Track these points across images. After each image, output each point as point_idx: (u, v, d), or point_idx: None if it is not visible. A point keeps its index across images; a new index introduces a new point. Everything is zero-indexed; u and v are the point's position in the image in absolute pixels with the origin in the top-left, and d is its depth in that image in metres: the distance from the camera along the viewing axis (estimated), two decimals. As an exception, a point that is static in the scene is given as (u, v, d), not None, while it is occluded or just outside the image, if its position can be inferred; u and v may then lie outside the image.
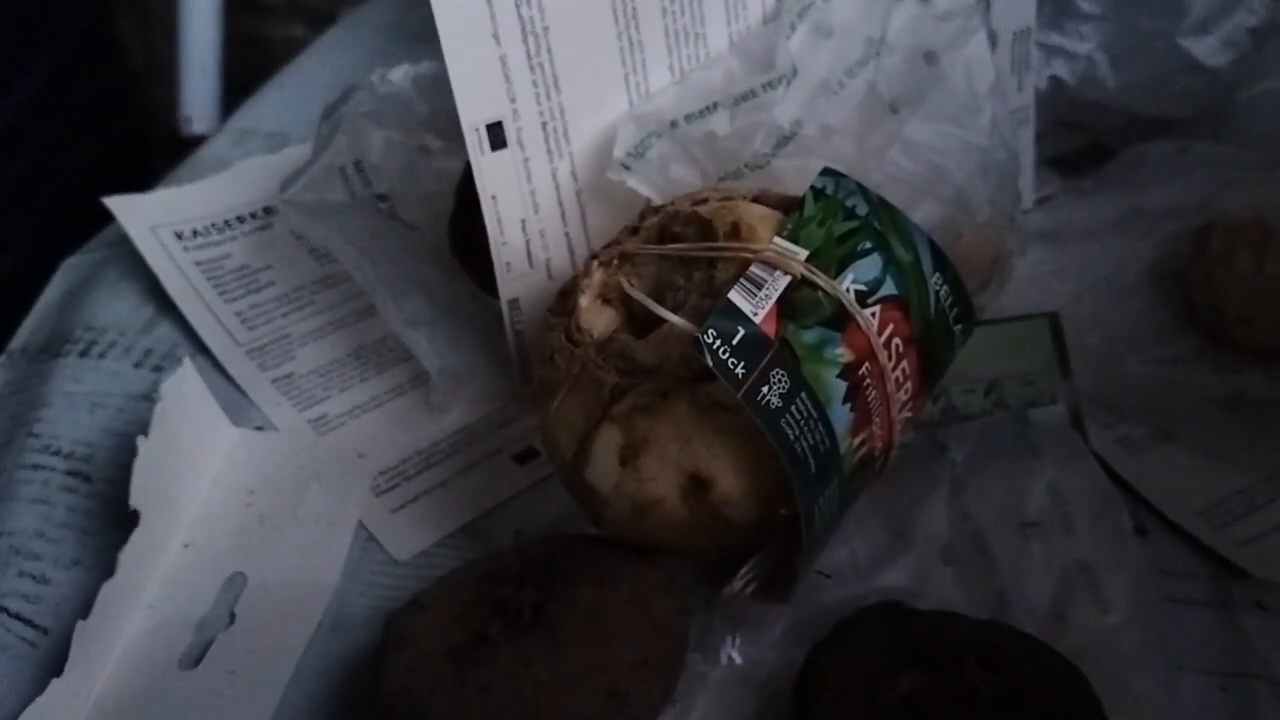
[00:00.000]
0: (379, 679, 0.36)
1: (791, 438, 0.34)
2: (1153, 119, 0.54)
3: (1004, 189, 0.45)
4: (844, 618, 0.37)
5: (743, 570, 0.38)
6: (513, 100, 0.42)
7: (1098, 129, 0.56)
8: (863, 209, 0.37)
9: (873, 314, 0.36)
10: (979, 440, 0.43)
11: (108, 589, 0.39)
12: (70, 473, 0.44)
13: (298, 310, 0.51)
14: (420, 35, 0.43)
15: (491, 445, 0.46)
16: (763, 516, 0.37)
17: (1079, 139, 0.56)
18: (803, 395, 0.35)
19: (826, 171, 0.38)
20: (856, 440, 0.36)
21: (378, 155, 0.50)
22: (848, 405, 0.36)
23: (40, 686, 0.37)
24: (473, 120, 0.41)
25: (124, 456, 0.42)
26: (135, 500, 0.40)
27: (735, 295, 0.35)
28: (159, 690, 0.38)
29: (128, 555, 0.40)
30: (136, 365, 0.49)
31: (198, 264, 0.52)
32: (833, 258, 0.36)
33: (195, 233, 0.53)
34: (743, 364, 0.34)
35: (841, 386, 0.35)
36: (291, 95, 0.63)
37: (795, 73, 0.43)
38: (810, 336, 0.35)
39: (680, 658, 0.37)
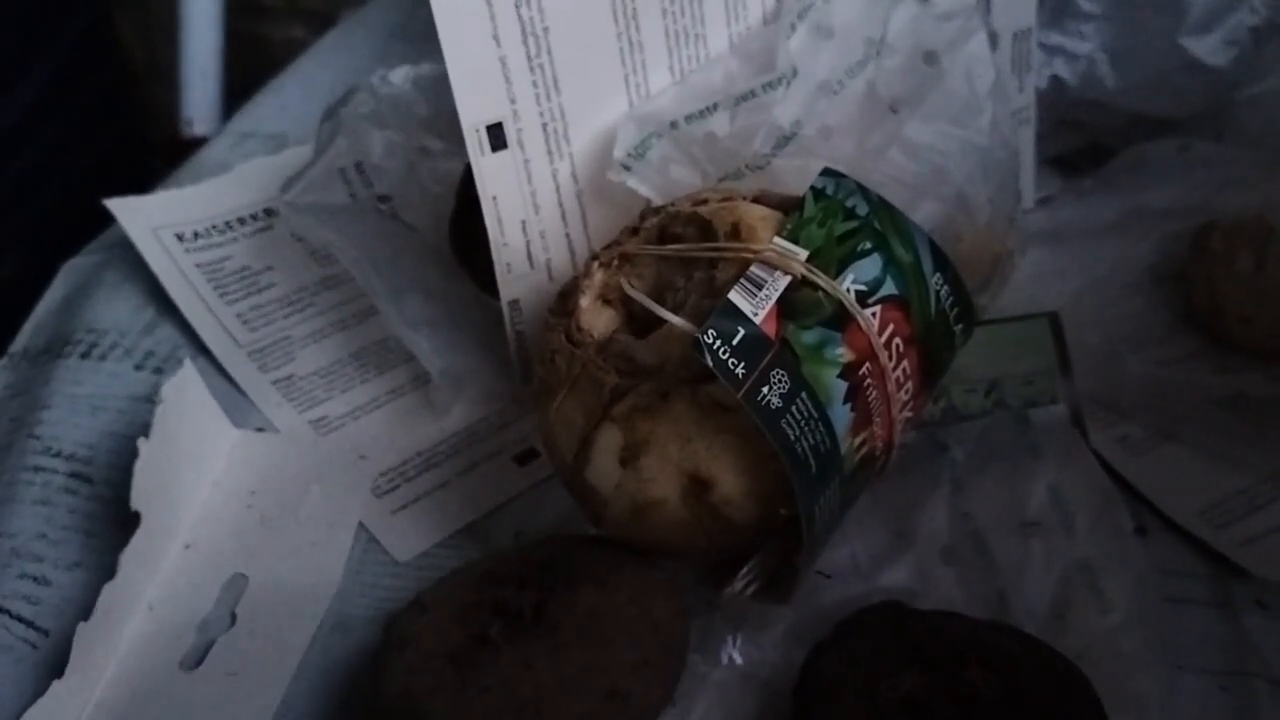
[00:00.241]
0: (379, 680, 0.36)
1: (792, 438, 0.34)
2: (1153, 118, 0.54)
3: (1004, 189, 0.45)
4: (844, 618, 0.37)
5: (743, 571, 0.38)
6: (513, 101, 0.42)
7: (1098, 129, 0.56)
8: (863, 209, 0.37)
9: (873, 314, 0.36)
10: (979, 440, 0.43)
11: (109, 590, 0.39)
12: (71, 474, 0.44)
13: (299, 312, 0.51)
14: (420, 36, 0.43)
15: (492, 446, 0.46)
16: (763, 517, 0.37)
17: (1079, 139, 0.56)
18: (803, 395, 0.35)
19: (827, 172, 0.38)
20: (857, 440, 0.36)
21: (378, 156, 0.50)
22: (848, 405, 0.36)
23: (42, 688, 0.37)
24: (473, 121, 0.41)
25: (125, 458, 0.42)
26: (136, 502, 0.40)
27: (735, 295, 0.35)
28: (160, 691, 0.38)
29: (129, 557, 0.40)
30: (138, 367, 0.49)
31: (199, 266, 0.52)
32: (833, 258, 0.36)
33: (196, 234, 0.53)
34: (743, 364, 0.34)
35: (842, 387, 0.35)
36: (292, 97, 0.64)
37: (795, 73, 0.43)
38: (810, 337, 0.35)
39: (681, 658, 0.37)
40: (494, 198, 0.43)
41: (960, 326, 0.39)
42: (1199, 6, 0.51)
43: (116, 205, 0.53)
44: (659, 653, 0.36)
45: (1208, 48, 0.52)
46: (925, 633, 0.36)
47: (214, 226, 0.53)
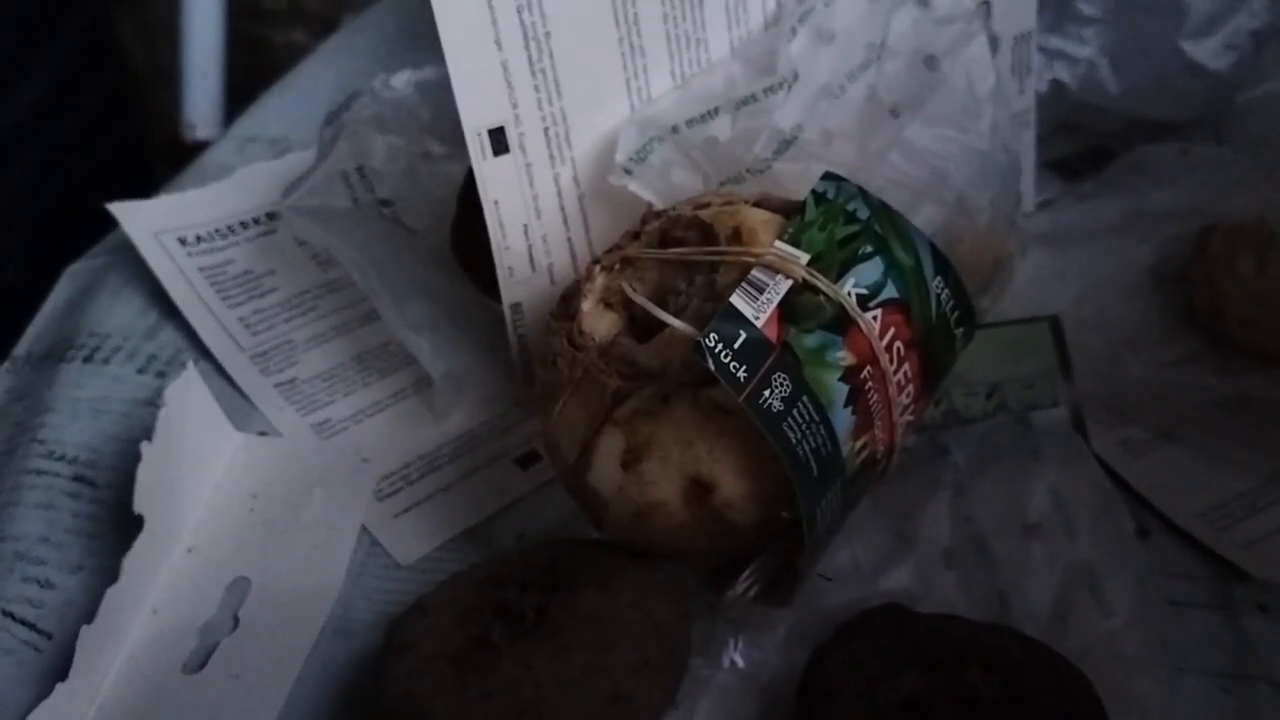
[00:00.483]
0: (381, 683, 0.36)
1: (793, 441, 0.34)
2: (1154, 122, 0.54)
3: (1005, 192, 0.45)
4: (846, 620, 0.37)
5: (745, 574, 0.38)
6: (514, 105, 0.42)
7: (1099, 132, 0.56)
8: (864, 213, 0.38)
9: (874, 317, 0.36)
10: (980, 443, 0.43)
11: (112, 594, 0.39)
12: (75, 478, 0.44)
13: (301, 315, 0.51)
14: (422, 41, 0.43)
15: (494, 449, 0.46)
16: (765, 520, 0.37)
17: (1080, 142, 0.56)
18: (804, 399, 0.35)
19: (828, 176, 0.38)
20: (858, 443, 0.36)
21: (380, 161, 0.51)
22: (849, 408, 0.36)
23: (45, 691, 0.37)
24: (475, 125, 0.41)
25: (128, 462, 0.42)
26: (139, 505, 0.40)
27: (737, 299, 0.35)
28: (163, 694, 0.38)
29: (132, 560, 0.40)
30: (140, 371, 0.49)
31: (201, 269, 0.52)
32: (834, 261, 0.36)
33: (199, 238, 0.53)
34: (744, 368, 0.34)
35: (843, 390, 0.36)
36: (294, 101, 0.64)
37: (796, 77, 0.43)
38: (812, 340, 0.35)
39: (682, 661, 0.37)
40: (496, 202, 0.43)
41: (961, 330, 0.39)
42: (1199, 10, 0.51)
43: (119, 209, 0.53)
44: (661, 655, 0.36)
45: (1208, 51, 0.52)
46: (926, 635, 0.36)
47: (216, 230, 0.53)
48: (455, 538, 0.44)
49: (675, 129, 0.43)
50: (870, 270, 0.37)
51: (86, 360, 0.49)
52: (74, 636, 0.38)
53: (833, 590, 0.40)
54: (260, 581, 0.42)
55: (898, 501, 0.42)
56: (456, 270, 0.49)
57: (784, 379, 0.34)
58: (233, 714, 0.38)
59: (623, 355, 0.37)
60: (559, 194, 0.44)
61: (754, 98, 0.43)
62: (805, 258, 0.36)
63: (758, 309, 0.35)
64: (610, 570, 0.37)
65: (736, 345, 0.34)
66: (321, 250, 0.52)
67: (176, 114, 0.89)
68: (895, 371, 0.37)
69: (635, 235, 0.40)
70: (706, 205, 0.39)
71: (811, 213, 0.37)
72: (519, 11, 0.41)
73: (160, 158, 0.96)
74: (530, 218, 0.44)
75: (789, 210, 0.38)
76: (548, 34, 0.41)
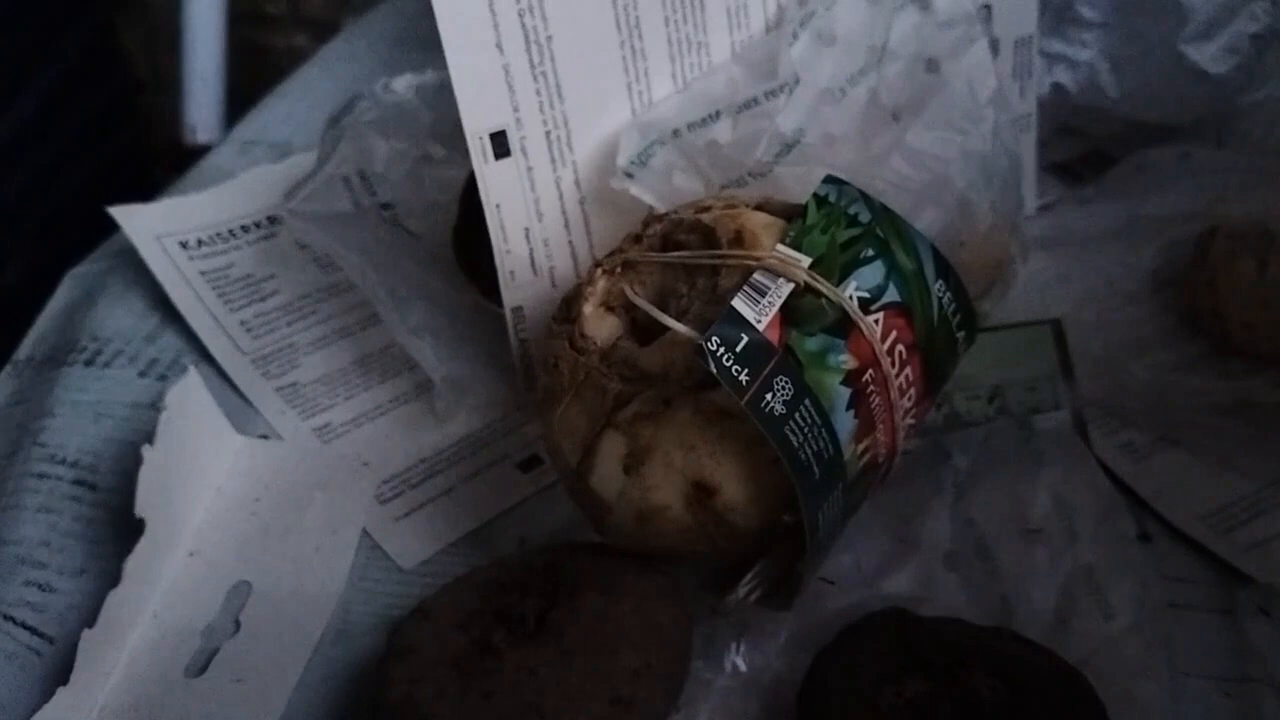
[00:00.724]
0: (383, 687, 0.36)
1: (795, 444, 0.34)
2: (1154, 125, 0.54)
3: (1006, 196, 0.45)
4: (848, 624, 0.37)
5: (747, 577, 0.38)
6: (516, 109, 0.42)
7: (1099, 136, 0.56)
8: (865, 216, 0.38)
9: (876, 321, 0.36)
10: (982, 447, 0.43)
11: (113, 597, 0.39)
12: (76, 481, 0.44)
13: (302, 319, 0.51)
14: (424, 45, 0.43)
15: (495, 453, 0.46)
16: (767, 523, 0.37)
17: (1081, 146, 0.56)
18: (806, 402, 0.35)
19: (829, 179, 0.38)
20: (860, 447, 0.36)
21: (382, 164, 0.51)
22: (851, 412, 0.36)
23: (46, 695, 0.37)
24: (476, 129, 0.41)
25: (129, 465, 0.42)
26: (140, 509, 0.40)
27: (738, 302, 0.35)
28: (165, 698, 0.38)
29: (133, 564, 0.40)
30: (141, 374, 0.49)
31: (202, 273, 0.52)
32: (836, 265, 0.36)
33: (200, 242, 0.53)
34: (746, 371, 0.34)
35: (845, 393, 0.36)
36: (295, 105, 0.64)
37: (797, 81, 0.43)
38: (813, 343, 0.35)
39: (684, 665, 0.37)
40: (497, 205, 0.43)
41: (963, 333, 0.39)
42: (1200, 14, 0.52)
43: (120, 213, 0.53)
44: (662, 659, 0.36)
45: (1208, 55, 0.52)
46: (929, 639, 0.36)
47: (218, 234, 0.53)
48: (457, 541, 0.44)
49: (677, 132, 0.43)
50: (872, 273, 0.37)
51: (88, 364, 0.49)
52: (75, 640, 0.38)
53: (834, 594, 0.40)
54: (262, 585, 0.42)
55: (899, 505, 0.42)
56: (458, 274, 0.49)
57: (786, 382, 0.34)
58: (234, 717, 0.38)
59: (624, 358, 0.37)
60: (560, 197, 0.44)
61: (755, 101, 0.43)
62: (807, 261, 0.36)
63: (759, 312, 0.35)
64: (612, 574, 0.37)
65: (738, 348, 0.34)
66: (323, 254, 0.52)
67: (178, 118, 0.89)
68: (897, 375, 0.37)
69: (637, 238, 0.40)
70: (708, 208, 0.39)
71: (813, 216, 0.37)
72: (520, 15, 0.41)
73: (162, 162, 0.96)
74: (532, 221, 0.44)
75: (790, 213, 0.38)
76: (549, 37, 0.41)
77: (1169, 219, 0.51)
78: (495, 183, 0.42)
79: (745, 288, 0.35)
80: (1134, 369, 0.47)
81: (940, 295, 0.38)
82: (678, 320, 0.36)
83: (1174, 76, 0.52)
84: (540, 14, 0.41)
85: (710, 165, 0.43)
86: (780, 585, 0.38)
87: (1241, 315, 0.47)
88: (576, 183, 0.44)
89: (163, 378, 0.48)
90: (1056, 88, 0.53)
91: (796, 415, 0.34)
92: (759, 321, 0.35)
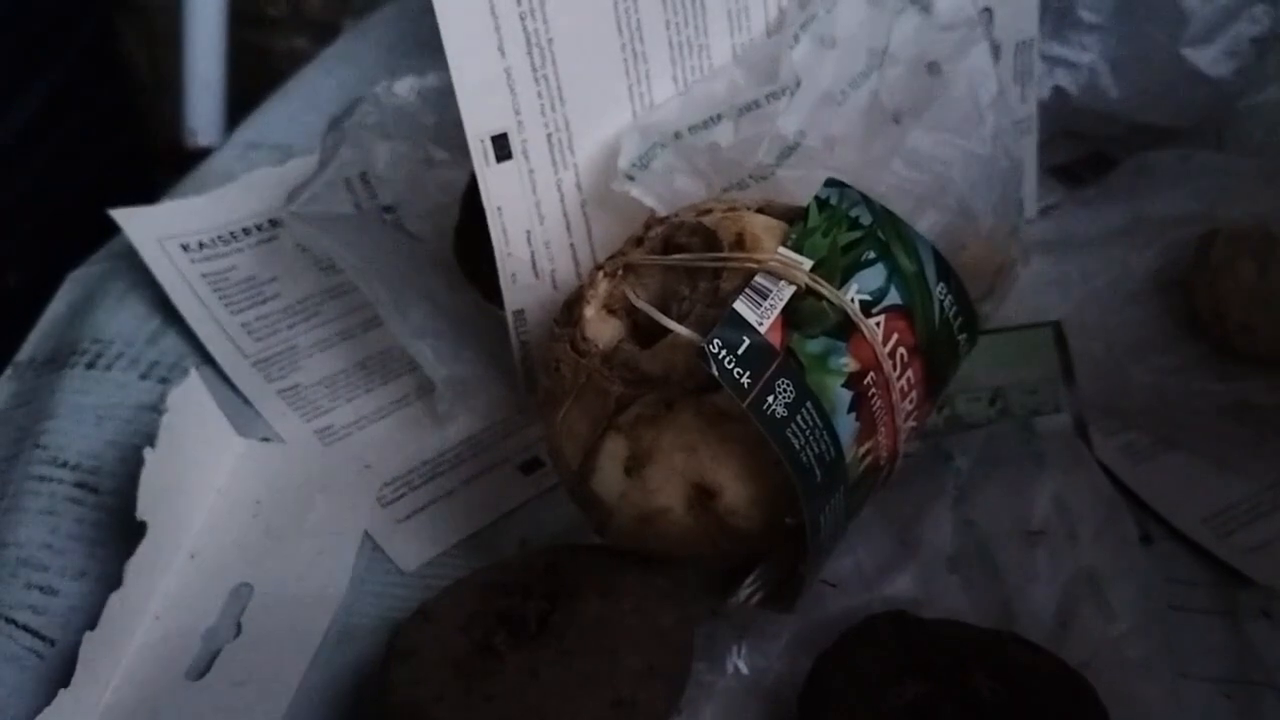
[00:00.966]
0: (384, 689, 0.36)
1: (797, 447, 0.34)
2: (1155, 128, 0.55)
3: (1007, 198, 0.45)
4: (849, 627, 0.37)
5: (748, 579, 0.38)
6: (517, 112, 0.42)
7: (1100, 138, 0.56)
8: (866, 219, 0.38)
9: (877, 323, 0.36)
10: (983, 449, 0.43)
11: (115, 600, 0.39)
12: (77, 484, 0.44)
13: (304, 321, 0.51)
14: (425, 47, 0.43)
15: (497, 455, 0.46)
16: (768, 526, 0.37)
17: (1081, 148, 0.56)
18: (808, 405, 0.35)
19: (830, 182, 0.38)
20: (862, 449, 0.36)
21: (383, 167, 0.51)
22: (853, 414, 0.36)
23: (48, 698, 0.37)
24: (478, 132, 0.41)
25: (131, 468, 0.42)
26: (142, 511, 0.40)
27: (740, 305, 0.35)
28: (166, 701, 0.38)
29: (134, 566, 0.40)
30: (143, 377, 0.49)
31: (204, 276, 0.52)
32: (837, 267, 0.36)
33: (201, 245, 0.53)
34: (748, 374, 0.34)
35: (847, 396, 0.36)
36: (297, 108, 0.64)
37: (799, 83, 0.43)
38: (815, 346, 0.35)
39: (686, 667, 0.37)
40: (499, 208, 0.43)
41: (964, 335, 0.39)
42: (1200, 17, 0.52)
43: (122, 215, 0.53)
44: (664, 661, 0.36)
45: (1209, 58, 0.52)
46: (930, 641, 0.36)
47: (219, 237, 0.53)
48: (458, 544, 0.44)
49: (678, 135, 0.43)
50: (873, 276, 0.37)
51: (89, 366, 0.49)
52: (77, 643, 0.38)
53: (836, 596, 0.40)
54: (263, 588, 0.42)
55: (901, 507, 0.42)
56: (459, 276, 0.49)
57: (787, 385, 0.34)
58: (236, 720, 0.38)
59: (626, 361, 0.37)
60: (562, 200, 0.44)
61: (756, 104, 0.43)
62: (808, 264, 0.36)
63: (761, 315, 0.35)
64: (613, 576, 0.37)
65: (740, 351, 0.34)
66: (324, 256, 0.52)
67: (178, 121, 0.89)
68: (898, 377, 0.37)
69: (638, 241, 0.40)
70: (709, 211, 0.39)
71: (814, 219, 0.37)
72: (522, 18, 0.41)
73: (162, 165, 0.96)
74: (533, 224, 0.44)
75: (792, 216, 0.38)
76: (550, 40, 0.41)
77: (1169, 221, 0.51)
78: (497, 185, 0.42)
79: (747, 290, 0.35)
80: (1135, 371, 0.47)
81: (941, 298, 0.38)
82: (679, 323, 0.37)
83: (1174, 79, 0.53)
84: (542, 17, 0.41)
85: (711, 168, 0.43)
86: (782, 587, 0.38)
87: (1242, 317, 0.47)
88: (578, 185, 0.44)
89: (164, 380, 0.48)
90: (1057, 90, 0.53)
91: (798, 418, 0.34)
92: (761, 324, 0.35)
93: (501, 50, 0.41)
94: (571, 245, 0.45)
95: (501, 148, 0.42)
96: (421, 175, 0.51)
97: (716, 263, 0.37)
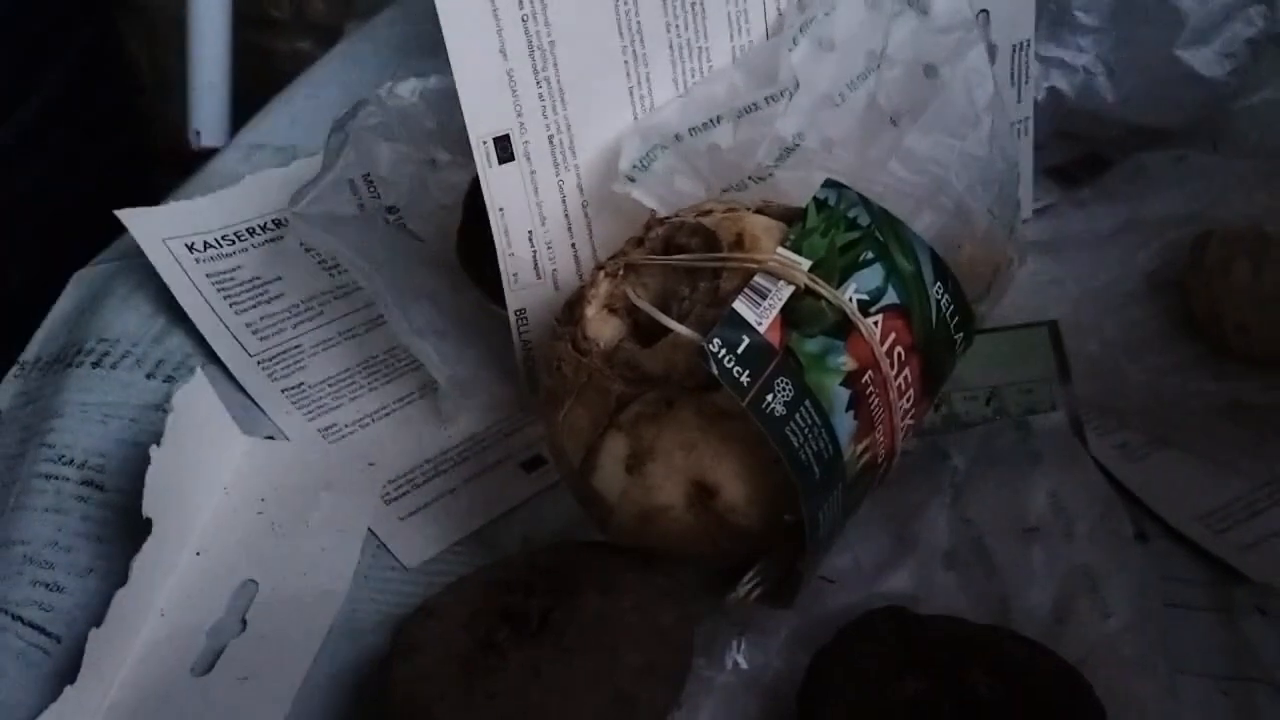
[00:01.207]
0: (388, 686, 0.37)
1: (796, 445, 0.35)
2: (1150, 129, 0.55)
3: (1003, 199, 0.46)
4: (848, 623, 0.38)
5: (747, 576, 0.38)
6: (519, 114, 0.42)
7: (1096, 139, 0.56)
8: (864, 219, 0.38)
9: (875, 323, 0.37)
10: (980, 447, 0.44)
11: (121, 597, 0.39)
12: (83, 482, 0.45)
13: (308, 321, 0.51)
14: (428, 50, 0.44)
15: (499, 453, 0.47)
16: (768, 523, 0.37)
17: (1077, 149, 0.56)
18: (807, 403, 0.35)
19: (829, 183, 0.38)
20: (860, 447, 0.37)
21: (386, 168, 0.51)
22: (851, 413, 0.36)
23: (54, 694, 0.38)
24: (480, 133, 0.42)
25: (136, 466, 0.42)
26: (148, 509, 0.41)
27: (740, 305, 0.35)
28: (172, 697, 0.39)
29: (140, 563, 0.40)
30: (149, 376, 0.49)
31: (209, 276, 0.52)
32: (835, 268, 0.37)
33: (206, 245, 0.53)
34: (747, 372, 0.34)
35: (845, 395, 0.36)
36: (301, 109, 0.64)
37: (797, 86, 0.44)
38: (814, 345, 0.36)
39: (686, 663, 0.37)
40: (501, 209, 0.43)
41: (961, 335, 0.40)
42: (1195, 19, 0.52)
43: (127, 215, 0.53)
44: (664, 658, 0.36)
45: (1204, 59, 0.52)
46: (927, 637, 0.36)
47: (224, 237, 0.54)
48: (461, 541, 0.44)
49: (678, 137, 0.43)
50: (871, 276, 0.37)
51: (95, 365, 0.49)
52: (83, 639, 0.38)
53: (835, 593, 0.40)
54: (268, 584, 0.42)
55: (898, 504, 0.42)
56: (462, 276, 0.49)
57: (786, 384, 0.35)
58: (240, 716, 0.38)
59: (627, 360, 0.38)
60: (563, 201, 0.44)
61: (756, 106, 0.43)
62: (807, 264, 0.36)
63: (760, 315, 0.35)
64: (614, 573, 0.38)
65: (740, 350, 0.34)
66: (328, 257, 0.53)
67: (181, 121, 0.89)
68: (896, 376, 0.37)
69: (639, 242, 0.41)
70: (709, 212, 0.40)
71: (813, 219, 0.37)
72: (524, 21, 0.41)
73: (166, 166, 0.96)
74: (535, 225, 0.44)
75: (791, 217, 0.39)
76: (552, 43, 0.42)
77: (1165, 222, 0.52)
78: (499, 187, 0.43)
79: (746, 290, 0.36)
80: (1130, 371, 0.47)
81: (938, 297, 0.39)
82: (679, 322, 0.37)
83: (1170, 81, 0.53)
84: (543, 19, 0.41)
85: (711, 169, 0.43)
86: (781, 584, 0.38)
87: (1236, 317, 0.47)
88: (579, 186, 0.44)
89: (170, 379, 0.49)
90: (1053, 92, 0.53)
91: (797, 416, 0.35)
92: (760, 324, 0.35)
93: (503, 52, 0.41)
94: (573, 246, 0.45)
95: (504, 149, 0.42)
96: (424, 176, 0.51)
97: (716, 263, 0.38)
